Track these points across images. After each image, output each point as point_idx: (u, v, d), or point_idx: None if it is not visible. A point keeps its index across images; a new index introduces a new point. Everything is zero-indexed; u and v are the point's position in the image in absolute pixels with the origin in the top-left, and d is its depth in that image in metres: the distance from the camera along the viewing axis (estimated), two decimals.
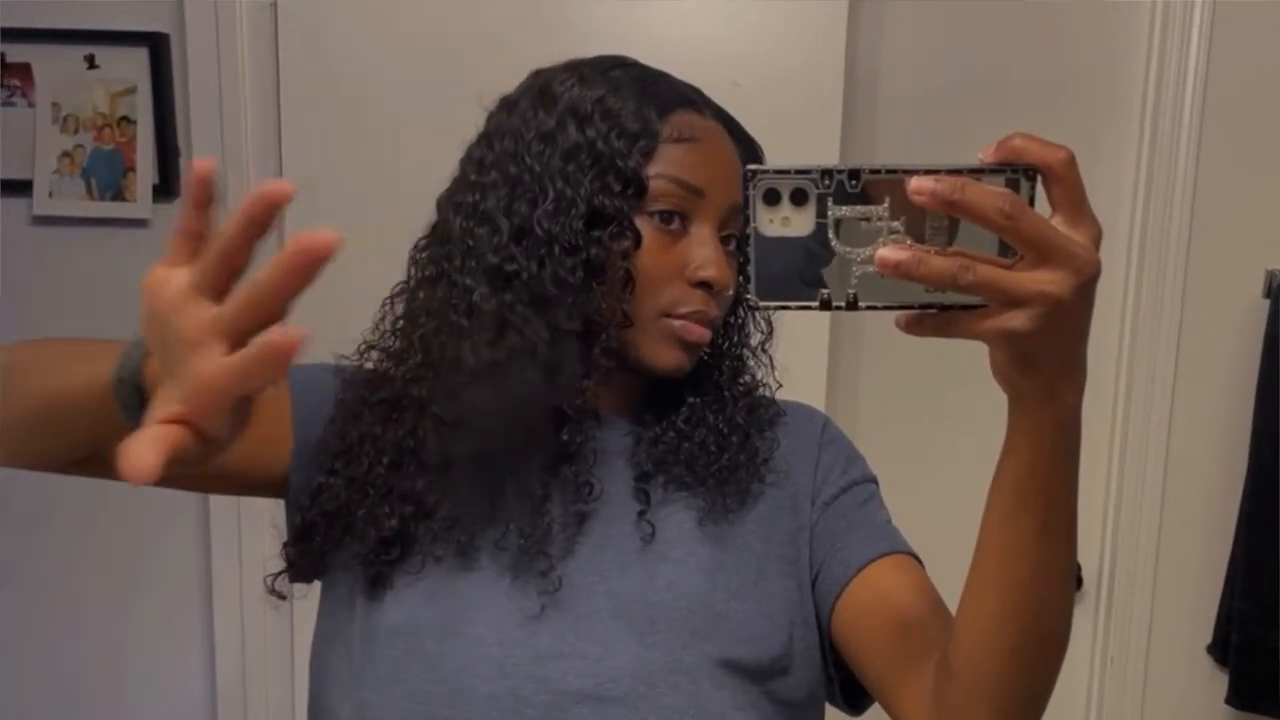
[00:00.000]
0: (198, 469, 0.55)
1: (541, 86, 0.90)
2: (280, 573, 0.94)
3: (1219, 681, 1.87)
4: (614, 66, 0.90)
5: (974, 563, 0.73)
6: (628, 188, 0.85)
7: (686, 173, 0.87)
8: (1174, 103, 1.80)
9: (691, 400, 0.93)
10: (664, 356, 0.88)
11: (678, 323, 0.87)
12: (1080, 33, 1.83)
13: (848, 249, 0.59)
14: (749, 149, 0.95)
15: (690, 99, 0.91)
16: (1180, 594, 1.90)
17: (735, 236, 0.88)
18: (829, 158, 1.70)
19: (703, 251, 0.87)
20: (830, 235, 0.59)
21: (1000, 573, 0.71)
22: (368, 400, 0.90)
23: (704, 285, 0.87)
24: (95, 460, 0.73)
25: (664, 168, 0.86)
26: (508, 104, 0.91)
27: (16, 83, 1.80)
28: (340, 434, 0.90)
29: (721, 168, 0.89)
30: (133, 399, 0.64)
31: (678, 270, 0.87)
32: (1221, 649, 1.86)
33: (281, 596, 0.94)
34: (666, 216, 0.86)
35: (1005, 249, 0.58)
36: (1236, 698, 1.84)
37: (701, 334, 0.88)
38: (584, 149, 0.85)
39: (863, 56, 1.81)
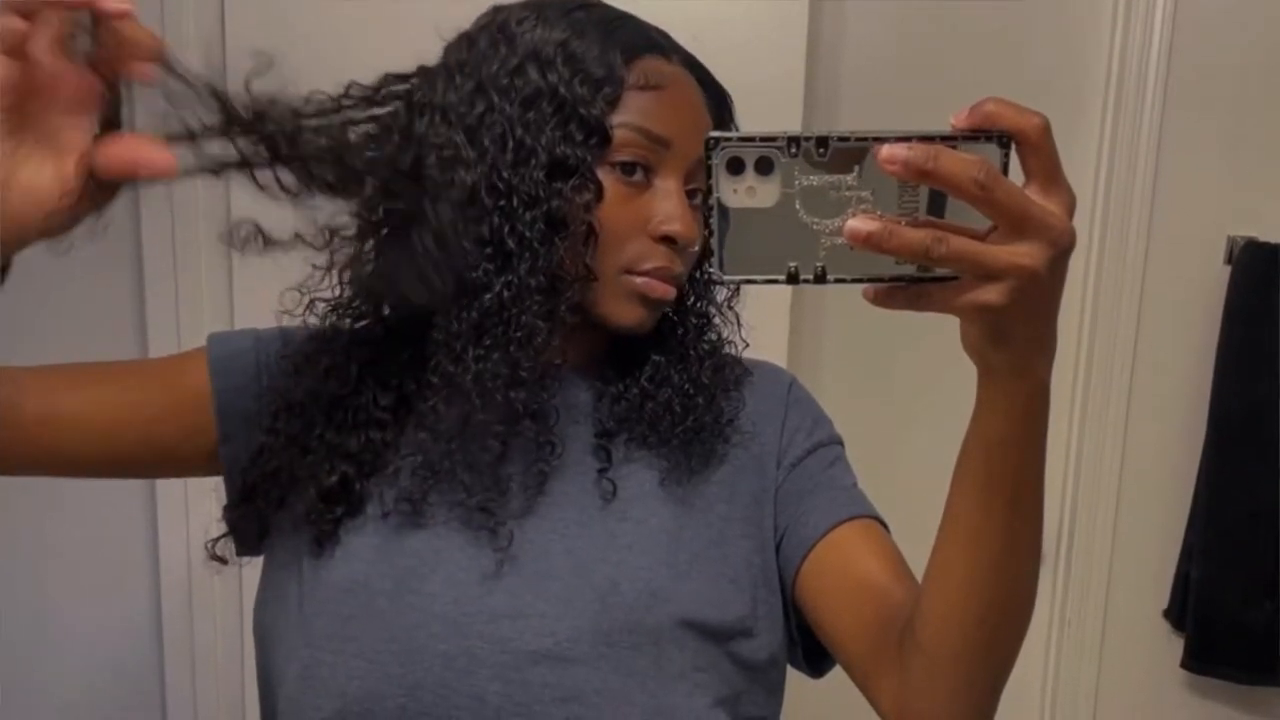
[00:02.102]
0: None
1: (501, 24, 0.87)
2: (221, 536, 0.94)
3: (1175, 645, 1.92)
4: (577, 7, 0.88)
5: (940, 534, 0.74)
6: (590, 137, 0.83)
7: (652, 122, 0.85)
8: (1138, 66, 1.81)
9: (656, 358, 0.92)
10: (625, 313, 0.87)
11: (640, 279, 0.86)
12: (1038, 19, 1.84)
13: (815, 220, 0.58)
14: (717, 99, 0.93)
15: (658, 43, 0.89)
16: (1137, 559, 1.94)
17: (701, 191, 0.88)
18: (791, 118, 1.69)
19: (666, 205, 0.86)
20: (797, 206, 0.58)
21: (967, 545, 0.72)
22: (309, 355, 0.89)
23: (668, 240, 0.86)
24: None
25: (629, 116, 0.85)
26: (466, 39, 0.88)
27: None
28: (282, 391, 0.90)
29: (689, 117, 0.88)
30: None
31: (641, 224, 0.86)
32: (1178, 613, 1.90)
33: (224, 561, 0.94)
34: (629, 168, 0.85)
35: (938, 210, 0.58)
36: (1192, 661, 1.88)
37: (665, 291, 0.87)
38: (545, 95, 0.83)
39: (828, 11, 1.80)
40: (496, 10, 0.89)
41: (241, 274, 1.75)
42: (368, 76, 0.83)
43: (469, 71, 0.85)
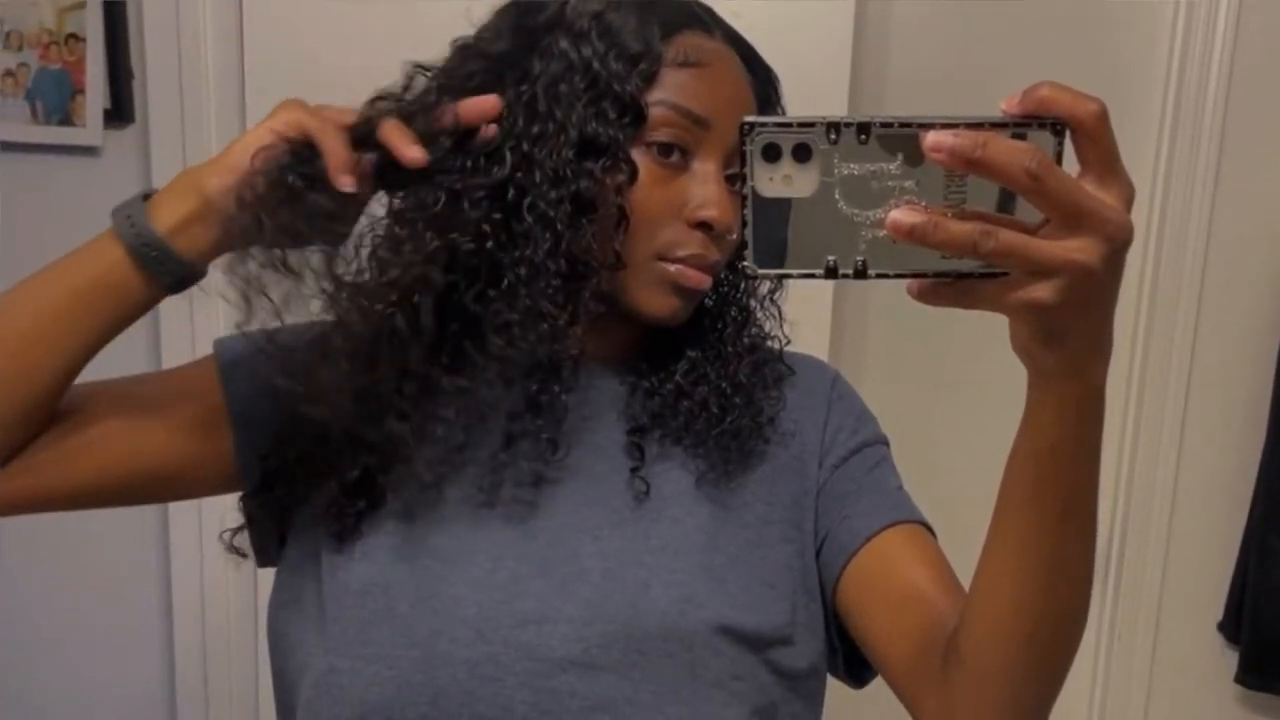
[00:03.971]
0: None
1: None
2: (240, 528, 0.94)
3: (1229, 659, 1.89)
4: None
5: (987, 546, 0.72)
6: (624, 115, 0.82)
7: (691, 101, 0.83)
8: (1200, 59, 1.78)
9: (692, 354, 0.91)
10: (657, 302, 0.85)
11: (673, 267, 0.84)
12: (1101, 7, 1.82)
13: (855, 211, 0.57)
14: (763, 78, 0.92)
15: (699, 18, 0.87)
16: (1191, 569, 1.91)
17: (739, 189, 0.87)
18: (837, 99, 1.68)
19: (704, 190, 0.84)
20: (836, 196, 0.57)
21: (1016, 558, 0.70)
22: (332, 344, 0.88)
23: (704, 226, 0.84)
24: None
25: (666, 94, 0.83)
26: (498, 13, 0.87)
27: None
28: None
29: (731, 97, 0.86)
30: (164, 255, 0.78)
31: (675, 209, 0.84)
32: (1233, 626, 1.88)
33: (242, 555, 0.94)
34: (665, 149, 0.83)
35: (1013, 205, 0.56)
36: (1246, 676, 1.86)
37: (700, 280, 0.85)
38: (577, 70, 0.82)
39: (873, 9, 1.78)
40: None
41: None
42: (388, 73, 0.85)
43: (496, 42, 0.84)
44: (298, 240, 0.77)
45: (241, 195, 0.76)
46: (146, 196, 0.81)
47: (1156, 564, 1.91)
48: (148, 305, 0.82)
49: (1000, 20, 1.81)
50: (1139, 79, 1.83)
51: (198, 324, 1.73)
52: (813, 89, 1.62)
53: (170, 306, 1.66)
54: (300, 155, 0.77)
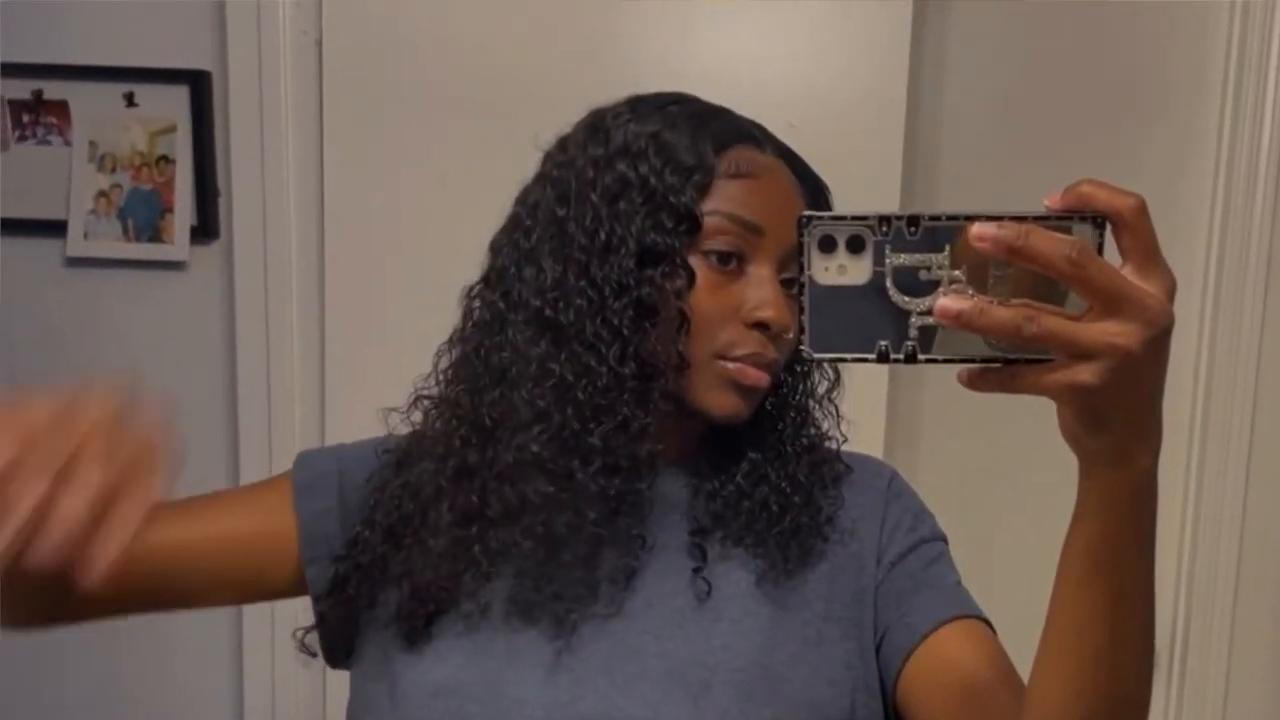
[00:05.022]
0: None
1: (594, 123, 0.91)
2: (311, 628, 0.97)
3: None
4: (672, 102, 0.91)
5: (1044, 635, 0.73)
6: (680, 224, 0.85)
7: (744, 210, 0.87)
8: (1254, 108, 1.78)
9: (753, 455, 0.93)
10: (719, 401, 0.88)
11: (733, 365, 0.87)
12: (1151, 46, 1.83)
13: (906, 299, 0.59)
14: (813, 188, 0.95)
15: (750, 134, 0.91)
16: (1258, 661, 1.88)
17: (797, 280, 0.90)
18: (889, 197, 1.73)
19: (760, 291, 0.87)
20: (888, 284, 0.59)
21: (1072, 646, 0.70)
22: (411, 453, 0.93)
23: (761, 326, 0.87)
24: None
25: (720, 204, 0.87)
26: (562, 143, 0.93)
27: (53, 120, 1.85)
28: (379, 487, 0.93)
29: (782, 205, 0.89)
30: None
31: (733, 311, 0.87)
32: None
33: (312, 654, 0.97)
34: (724, 257, 0.87)
35: (1069, 299, 0.58)
36: None
37: (758, 378, 0.88)
38: (634, 186, 0.86)
39: (925, 86, 1.83)
40: (594, 112, 0.93)
41: (334, 388, 1.83)
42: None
43: (561, 175, 0.89)
44: None
45: None
46: None
47: (1220, 656, 1.87)
48: None
49: (1051, 106, 1.83)
50: (1190, 163, 1.83)
51: (275, 436, 1.80)
52: (866, 181, 1.70)
53: (250, 417, 1.73)
54: None
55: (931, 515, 0.99)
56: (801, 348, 0.62)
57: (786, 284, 0.88)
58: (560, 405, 0.85)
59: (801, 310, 0.61)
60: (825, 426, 0.98)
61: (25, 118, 1.86)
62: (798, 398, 0.96)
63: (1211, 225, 1.84)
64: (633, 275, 0.84)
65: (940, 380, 1.78)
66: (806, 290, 0.61)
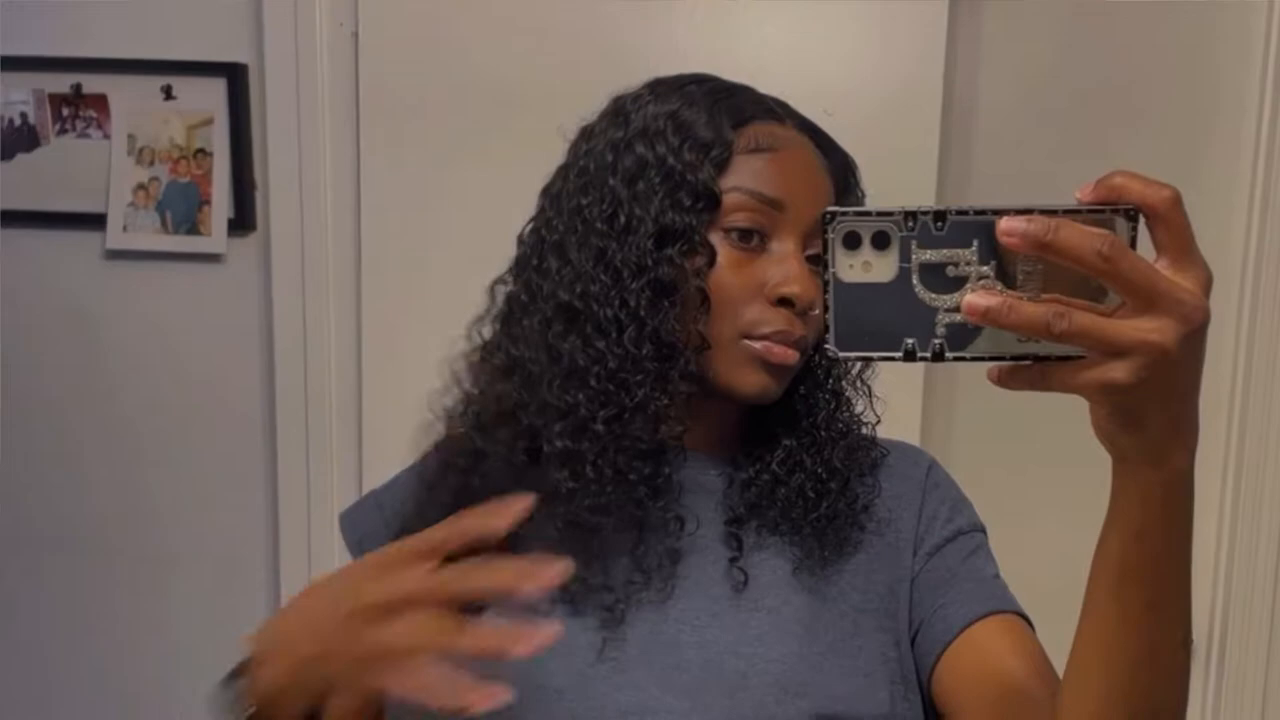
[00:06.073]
0: None
1: (615, 108, 0.91)
2: None
3: None
4: (690, 82, 0.91)
5: (1077, 637, 0.72)
6: (698, 201, 0.84)
7: (764, 185, 0.86)
8: None
9: (787, 442, 0.92)
10: (747, 380, 0.87)
11: (759, 344, 0.86)
12: (1188, 42, 1.81)
13: (933, 296, 0.58)
14: (840, 163, 0.94)
15: (769, 108, 0.91)
16: None
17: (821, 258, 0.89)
18: (924, 192, 1.72)
19: (783, 268, 0.86)
20: (914, 281, 0.58)
21: (1105, 648, 0.69)
22: (444, 457, 0.93)
23: (785, 303, 0.86)
24: None
25: (739, 180, 0.86)
26: (586, 133, 0.92)
27: (93, 114, 1.87)
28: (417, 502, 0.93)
29: (804, 179, 0.88)
30: None
31: (757, 288, 0.86)
32: None
33: None
34: (745, 234, 0.86)
35: (1104, 295, 0.57)
36: None
37: (785, 355, 0.86)
38: (653, 166, 0.86)
39: (961, 80, 1.82)
40: (615, 98, 0.93)
41: (371, 378, 1.84)
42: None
43: (583, 163, 0.89)
44: None
45: None
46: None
47: (1259, 654, 1.85)
48: None
49: (1085, 103, 1.82)
50: (1228, 159, 1.82)
51: (311, 427, 1.83)
52: (901, 174, 1.70)
53: (286, 408, 1.74)
54: None
55: (970, 505, 0.98)
56: (826, 347, 0.61)
57: (810, 260, 0.87)
58: (580, 390, 0.85)
59: (826, 309, 0.60)
60: (859, 408, 0.98)
61: (65, 111, 1.88)
62: (831, 382, 0.95)
63: (1250, 218, 1.81)
64: (651, 255, 0.84)
65: (972, 374, 1.78)
66: (831, 288, 0.60)
